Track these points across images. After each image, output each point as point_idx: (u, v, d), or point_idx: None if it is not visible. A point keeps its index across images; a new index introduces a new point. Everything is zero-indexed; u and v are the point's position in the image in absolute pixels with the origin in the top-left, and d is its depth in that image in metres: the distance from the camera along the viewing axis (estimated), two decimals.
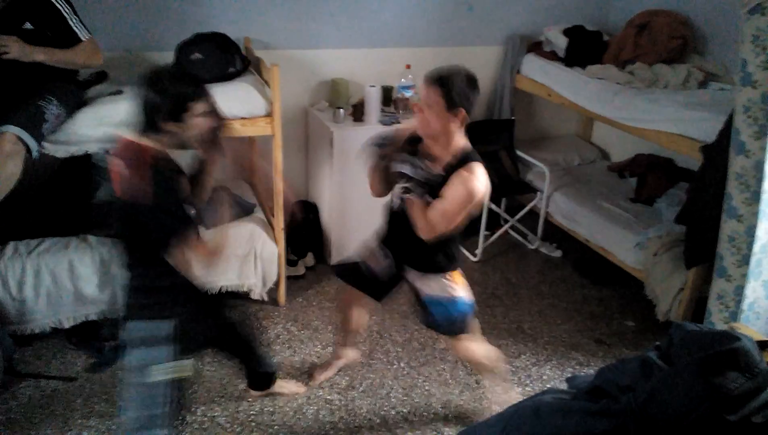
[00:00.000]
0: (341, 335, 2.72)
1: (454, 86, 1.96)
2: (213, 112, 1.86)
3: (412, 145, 2.15)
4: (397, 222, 2.21)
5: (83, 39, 2.57)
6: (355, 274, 2.40)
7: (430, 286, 2.25)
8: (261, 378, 2.51)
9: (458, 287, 2.26)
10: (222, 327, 2.22)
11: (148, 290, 1.91)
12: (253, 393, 2.59)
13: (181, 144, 1.83)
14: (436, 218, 2.02)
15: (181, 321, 1.91)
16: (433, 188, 2.04)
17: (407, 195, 2.06)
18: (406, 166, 2.05)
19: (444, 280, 2.23)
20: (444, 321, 2.28)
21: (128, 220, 1.78)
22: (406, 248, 2.23)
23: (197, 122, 1.81)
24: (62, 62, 2.54)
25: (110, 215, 1.81)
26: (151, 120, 1.74)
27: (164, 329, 1.88)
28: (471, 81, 2.01)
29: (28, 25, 2.50)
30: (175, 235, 1.77)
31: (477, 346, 2.42)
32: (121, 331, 1.94)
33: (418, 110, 2.04)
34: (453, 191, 2.00)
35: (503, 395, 2.56)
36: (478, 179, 2.00)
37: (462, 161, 2.03)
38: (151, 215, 1.73)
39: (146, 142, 1.78)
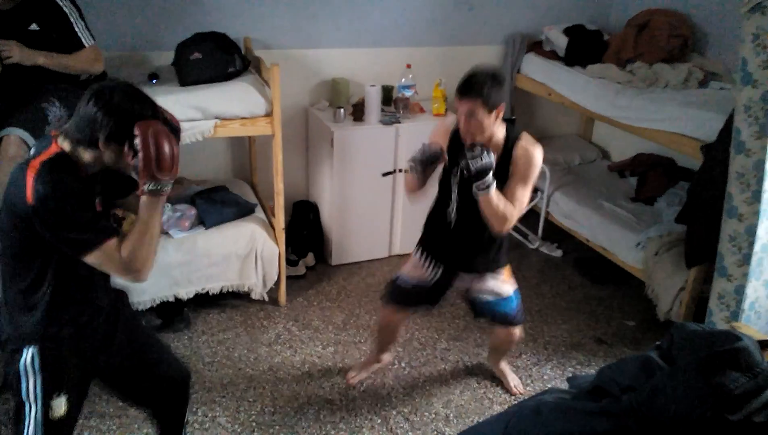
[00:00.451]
0: (380, 343, 2.75)
1: (488, 92, 2.03)
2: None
3: (455, 142, 2.21)
4: (455, 230, 2.30)
5: (86, 45, 2.59)
6: (404, 296, 2.49)
7: (486, 287, 2.38)
8: None
9: (509, 283, 2.42)
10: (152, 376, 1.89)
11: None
12: None
13: (117, 167, 1.56)
14: (511, 208, 2.11)
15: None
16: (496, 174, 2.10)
17: (486, 190, 2.04)
18: (478, 162, 2.01)
19: (497, 278, 2.38)
20: (503, 317, 2.46)
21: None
22: (464, 254, 2.34)
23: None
24: (63, 67, 2.55)
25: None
26: (89, 134, 1.49)
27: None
28: (496, 78, 2.09)
29: (34, 27, 2.51)
30: (77, 244, 1.51)
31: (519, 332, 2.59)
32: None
33: (464, 120, 2.10)
34: (519, 173, 2.13)
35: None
36: (535, 148, 2.16)
37: (510, 142, 2.16)
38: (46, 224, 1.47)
39: (79, 154, 1.53)
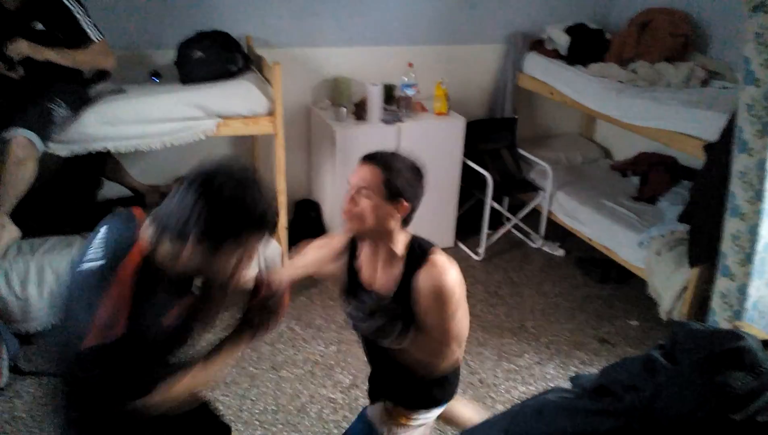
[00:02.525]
0: None
1: (397, 172, 1.54)
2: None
3: (351, 253, 1.73)
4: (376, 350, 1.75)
5: (95, 40, 2.58)
6: None
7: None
8: None
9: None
10: None
11: None
12: None
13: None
14: (429, 350, 1.63)
15: None
16: (402, 308, 1.60)
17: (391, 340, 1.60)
18: (356, 313, 1.63)
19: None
20: None
21: None
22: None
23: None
24: (73, 62, 2.55)
25: None
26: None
27: None
28: (416, 170, 1.60)
29: (39, 26, 2.51)
30: None
31: None
32: None
33: (350, 194, 1.57)
34: (431, 313, 1.57)
35: None
36: (444, 278, 1.56)
37: (412, 263, 1.59)
38: None
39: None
